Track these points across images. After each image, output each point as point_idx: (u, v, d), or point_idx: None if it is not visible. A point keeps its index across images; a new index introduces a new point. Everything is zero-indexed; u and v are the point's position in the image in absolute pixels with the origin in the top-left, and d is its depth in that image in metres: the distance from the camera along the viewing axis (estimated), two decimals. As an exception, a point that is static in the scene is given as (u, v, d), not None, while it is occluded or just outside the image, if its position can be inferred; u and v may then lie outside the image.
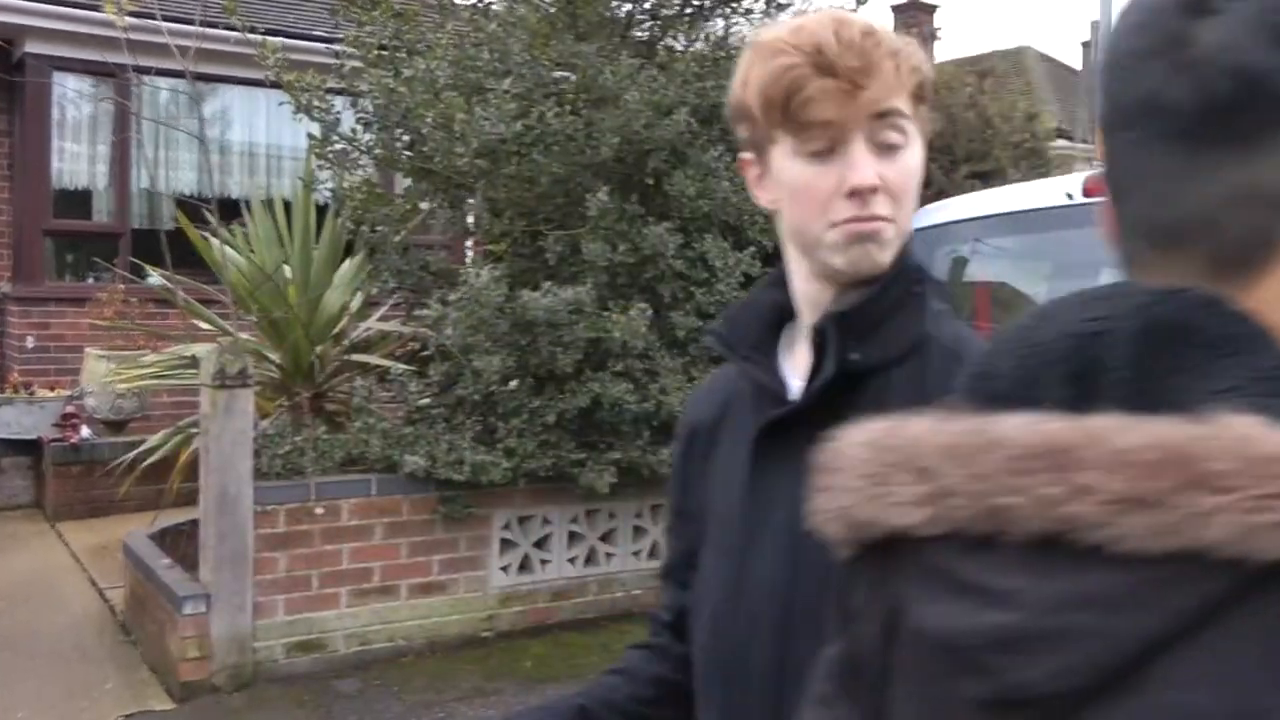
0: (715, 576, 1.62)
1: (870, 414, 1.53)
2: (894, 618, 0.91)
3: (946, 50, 30.34)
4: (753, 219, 6.68)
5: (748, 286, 6.81)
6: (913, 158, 1.53)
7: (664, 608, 1.81)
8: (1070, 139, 17.24)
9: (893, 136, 1.50)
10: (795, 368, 1.61)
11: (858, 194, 1.47)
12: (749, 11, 7.33)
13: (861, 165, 1.47)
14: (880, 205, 1.49)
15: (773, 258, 7.83)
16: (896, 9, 26.16)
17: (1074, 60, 27.14)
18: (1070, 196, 3.81)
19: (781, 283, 1.66)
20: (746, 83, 1.52)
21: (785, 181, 1.52)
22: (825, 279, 1.56)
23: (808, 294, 1.59)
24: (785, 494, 1.54)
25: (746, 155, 1.58)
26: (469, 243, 8.94)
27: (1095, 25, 15.45)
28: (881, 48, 1.46)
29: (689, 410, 1.81)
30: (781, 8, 7.30)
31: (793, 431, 1.54)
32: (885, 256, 1.52)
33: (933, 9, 26.16)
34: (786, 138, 1.49)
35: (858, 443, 0.97)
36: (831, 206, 1.48)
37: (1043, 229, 4.00)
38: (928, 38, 25.19)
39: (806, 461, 1.54)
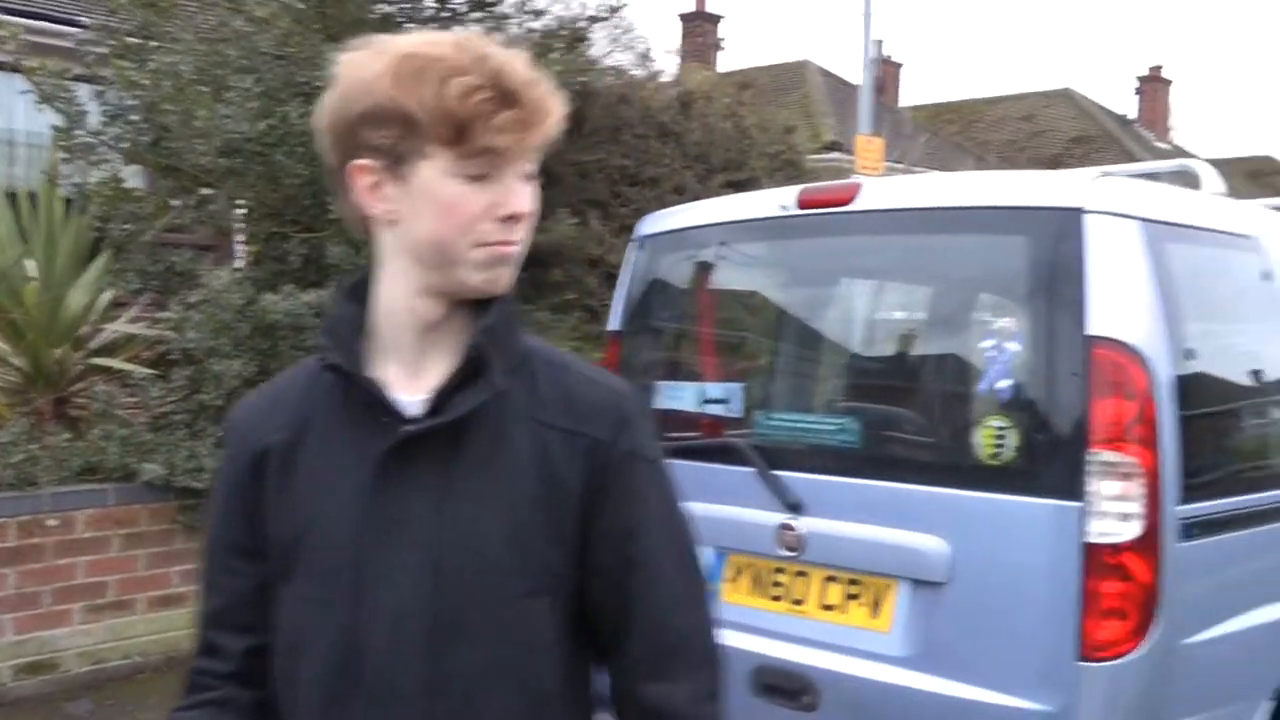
0: (328, 606, 1.56)
1: (491, 426, 1.57)
2: None
3: (730, 61, 31.00)
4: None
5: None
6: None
7: (219, 657, 1.67)
8: (843, 151, 17.75)
9: (533, 170, 1.57)
10: (390, 382, 1.59)
11: (511, 219, 1.54)
12: (505, 16, 7.31)
13: (522, 194, 1.55)
14: (521, 231, 1.57)
15: (527, 262, 7.87)
16: (684, 17, 26.73)
17: (855, 75, 27.94)
18: (785, 208, 3.88)
19: (356, 297, 1.64)
20: (402, 87, 1.49)
21: (433, 197, 1.52)
22: (440, 296, 1.58)
23: (413, 309, 1.59)
24: (418, 509, 1.55)
25: (368, 161, 1.54)
26: (239, 243, 8.71)
27: (878, 43, 16.14)
28: (545, 86, 1.53)
29: (247, 434, 1.67)
30: (538, 14, 7.31)
31: (421, 447, 1.55)
32: (512, 278, 1.59)
33: (718, 19, 26.88)
34: (446, 155, 1.50)
35: None
36: (480, 227, 1.53)
37: (762, 238, 4.08)
38: (712, 47, 25.72)
39: (441, 475, 1.55)
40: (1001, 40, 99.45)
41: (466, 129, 1.48)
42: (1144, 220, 3.33)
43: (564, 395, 1.62)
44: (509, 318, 1.61)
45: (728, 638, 3.79)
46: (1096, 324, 3.18)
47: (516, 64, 1.52)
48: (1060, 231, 3.28)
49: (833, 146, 18.24)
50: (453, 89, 1.47)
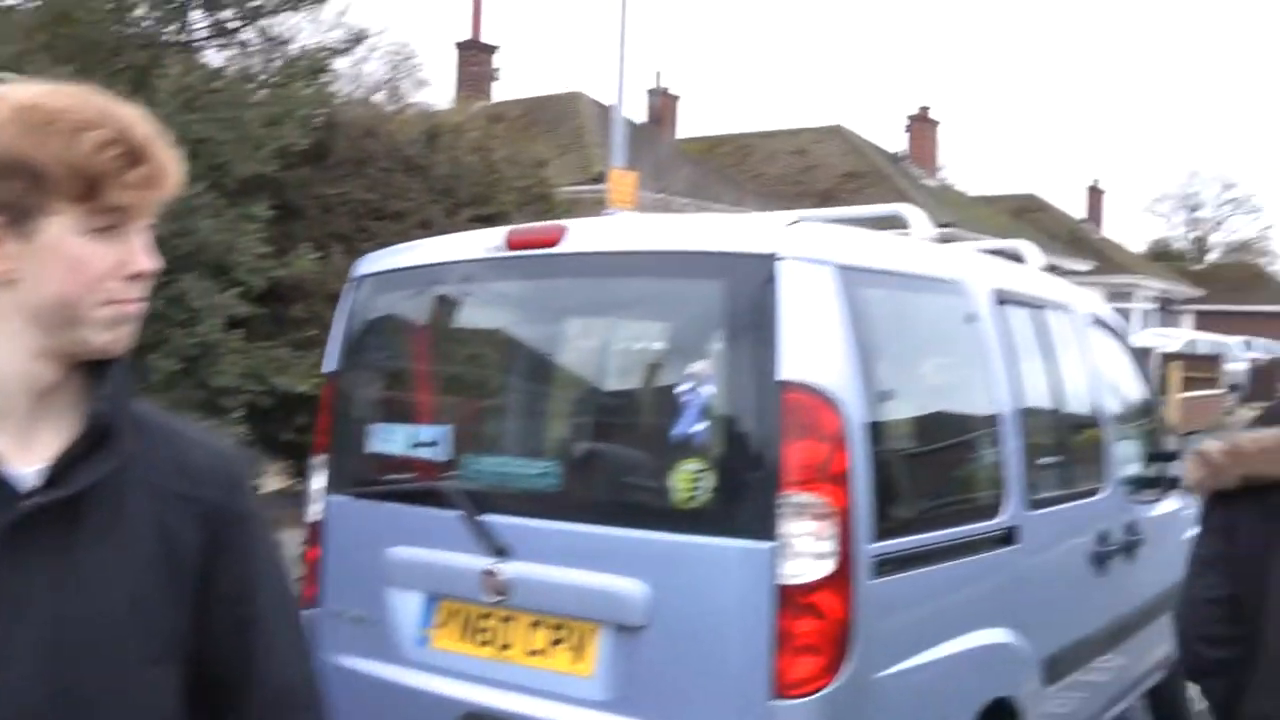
0: None
1: (111, 494, 1.50)
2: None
3: (505, 90, 31.02)
4: (239, 259, 6.47)
5: (234, 327, 6.62)
6: None
7: None
8: (615, 184, 17.88)
9: (152, 227, 1.55)
10: (1, 453, 1.49)
11: (137, 277, 1.52)
12: (244, 44, 7.16)
13: (147, 252, 1.53)
14: (143, 289, 1.54)
15: (267, 297, 7.73)
16: (460, 46, 26.74)
17: (628, 107, 28.29)
18: (494, 249, 3.87)
19: None
20: (30, 139, 1.42)
21: (60, 254, 1.47)
22: (59, 358, 1.51)
23: (27, 373, 1.50)
24: (37, 585, 1.47)
25: None
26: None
27: (657, 75, 16.40)
28: (167, 143, 1.52)
29: None
30: (282, 43, 7.18)
31: (39, 520, 1.46)
32: (132, 336, 1.57)
33: (493, 49, 26.97)
34: (75, 211, 1.46)
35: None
36: (105, 285, 1.49)
37: (476, 279, 4.06)
38: (487, 77, 25.74)
39: (61, 547, 1.46)
40: (778, 76, 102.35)
41: (98, 184, 1.45)
42: (839, 266, 3.42)
43: (176, 459, 1.61)
44: (126, 381, 1.58)
45: (437, 684, 3.77)
46: (788, 368, 3.25)
47: (140, 120, 1.50)
48: (754, 277, 3.35)
49: (601, 178, 18.38)
50: (85, 143, 1.43)
